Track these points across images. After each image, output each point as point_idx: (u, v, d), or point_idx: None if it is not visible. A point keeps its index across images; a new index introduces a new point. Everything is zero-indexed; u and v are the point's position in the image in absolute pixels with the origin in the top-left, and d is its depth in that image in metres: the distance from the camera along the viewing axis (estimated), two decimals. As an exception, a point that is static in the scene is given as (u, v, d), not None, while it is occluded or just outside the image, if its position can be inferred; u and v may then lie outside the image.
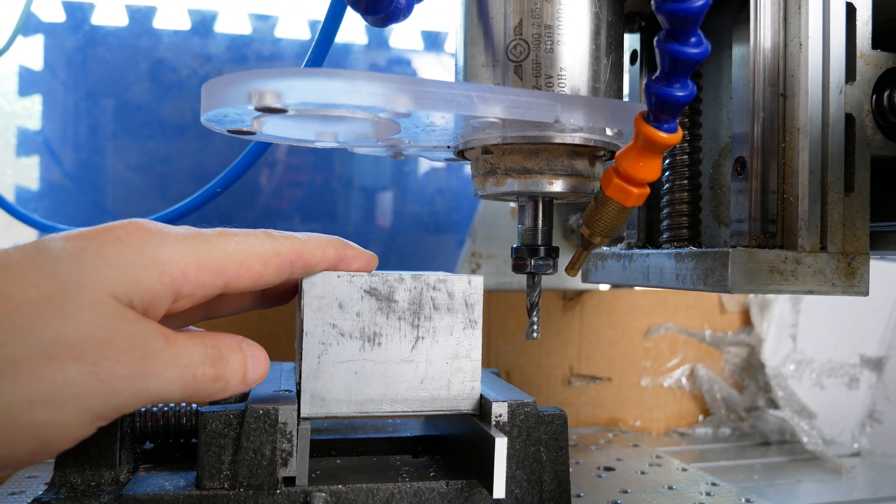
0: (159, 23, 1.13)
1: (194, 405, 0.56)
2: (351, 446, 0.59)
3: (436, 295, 0.52)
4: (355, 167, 1.20)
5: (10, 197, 1.04)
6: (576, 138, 0.51)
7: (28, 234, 1.00)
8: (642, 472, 0.74)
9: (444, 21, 1.21)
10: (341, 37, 1.24)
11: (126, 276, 0.39)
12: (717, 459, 0.93)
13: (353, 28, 1.23)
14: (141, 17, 1.13)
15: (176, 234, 0.42)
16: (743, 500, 0.66)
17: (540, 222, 0.54)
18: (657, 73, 0.43)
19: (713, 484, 0.70)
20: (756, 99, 0.52)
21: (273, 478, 0.48)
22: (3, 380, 0.36)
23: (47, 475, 0.64)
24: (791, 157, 0.51)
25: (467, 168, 0.53)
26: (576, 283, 1.02)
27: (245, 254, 0.44)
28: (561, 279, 1.02)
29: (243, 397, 0.53)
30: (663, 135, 0.44)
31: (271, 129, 0.51)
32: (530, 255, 0.54)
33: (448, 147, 0.56)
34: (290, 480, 0.49)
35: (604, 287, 1.05)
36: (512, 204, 1.04)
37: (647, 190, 0.47)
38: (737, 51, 0.54)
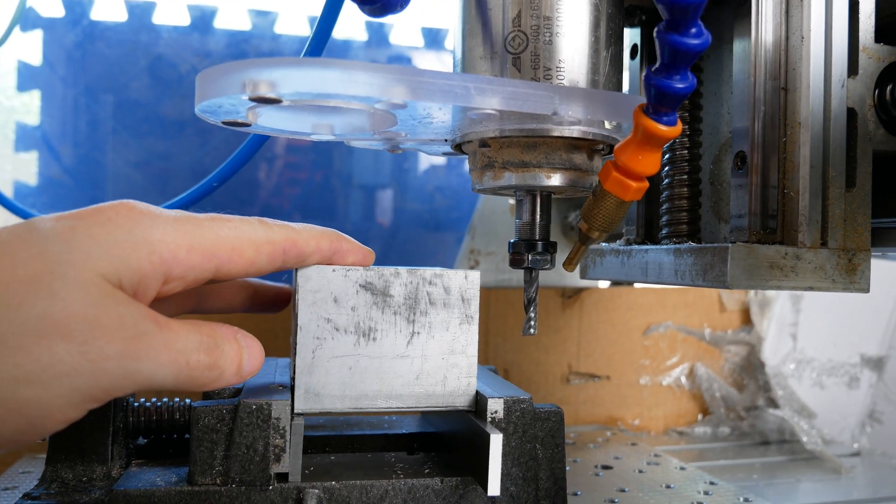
0: (159, 18, 1.13)
1: (188, 400, 0.55)
2: (346, 443, 0.59)
3: (432, 290, 0.52)
4: (355, 164, 1.20)
5: (8, 192, 1.04)
6: (574, 131, 0.50)
7: (25, 230, 0.99)
8: (640, 471, 0.73)
9: (444, 18, 1.21)
10: (341, 33, 1.24)
11: (115, 257, 0.39)
12: (716, 458, 0.92)
13: (353, 24, 1.22)
14: (140, 13, 1.13)
15: (167, 216, 0.42)
16: (741, 499, 0.65)
17: (538, 217, 0.54)
18: (657, 64, 0.42)
19: (711, 483, 0.69)
20: (757, 93, 0.51)
21: (266, 474, 0.47)
22: None
23: (41, 470, 0.64)
24: (792, 151, 0.50)
25: (467, 165, 0.52)
26: (575, 280, 1.01)
27: (238, 239, 0.44)
28: (560, 276, 1.01)
29: (237, 392, 0.53)
30: (663, 128, 0.44)
31: (266, 120, 0.51)
32: (528, 250, 0.54)
33: (445, 140, 0.56)
34: (283, 476, 0.48)
35: (603, 284, 1.04)
36: (511, 200, 1.04)
37: (646, 184, 0.47)
38: (738, 44, 0.53)
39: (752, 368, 1.07)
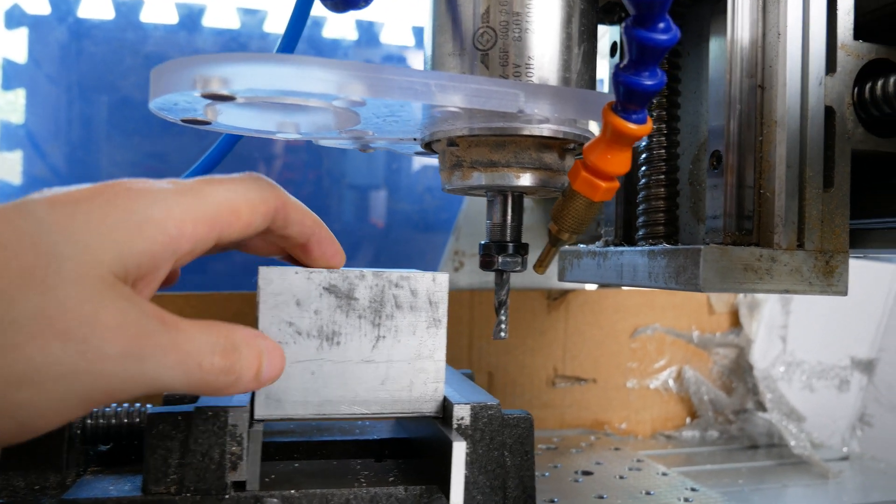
0: (146, 16, 1.12)
1: (149, 406, 0.54)
2: (314, 449, 0.57)
3: (398, 293, 0.50)
4: (347, 165, 1.19)
5: (-8, 192, 1.03)
6: (544, 130, 0.49)
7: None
8: (621, 477, 0.72)
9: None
10: (330, 33, 1.23)
11: (118, 243, 0.36)
12: (702, 463, 0.91)
13: (344, 24, 1.21)
14: (127, 11, 1.12)
15: (167, 189, 0.39)
16: (722, 506, 0.64)
17: (509, 218, 0.52)
18: (625, 61, 0.41)
19: (692, 489, 0.68)
20: (733, 91, 0.50)
21: (222, 482, 0.46)
22: None
23: None
24: (768, 150, 0.49)
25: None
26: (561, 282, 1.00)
27: (235, 201, 0.41)
28: (547, 278, 1.00)
29: (196, 398, 0.51)
30: (632, 126, 0.42)
31: (228, 118, 0.49)
32: (498, 252, 0.52)
33: (414, 139, 0.54)
34: (240, 485, 0.47)
35: (590, 286, 1.03)
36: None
37: (616, 184, 0.45)
38: (714, 42, 0.52)
39: (740, 371, 1.05)
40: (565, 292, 1.01)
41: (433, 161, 1.19)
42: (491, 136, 0.49)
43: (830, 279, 0.49)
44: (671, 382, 1.04)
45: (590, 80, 0.52)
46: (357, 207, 1.20)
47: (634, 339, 1.03)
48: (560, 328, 1.00)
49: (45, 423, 0.35)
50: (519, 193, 0.52)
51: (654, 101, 0.57)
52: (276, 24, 1.17)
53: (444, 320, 0.51)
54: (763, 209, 0.49)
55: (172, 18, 1.13)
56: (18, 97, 1.10)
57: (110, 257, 0.36)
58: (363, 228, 1.19)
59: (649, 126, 0.43)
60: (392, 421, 0.65)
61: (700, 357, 1.05)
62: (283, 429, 0.61)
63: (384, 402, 0.50)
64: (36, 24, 1.09)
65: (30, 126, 1.09)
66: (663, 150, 0.57)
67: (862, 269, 1.02)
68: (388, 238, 1.20)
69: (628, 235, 0.63)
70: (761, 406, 1.03)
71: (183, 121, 0.48)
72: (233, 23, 1.15)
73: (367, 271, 0.50)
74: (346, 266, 0.50)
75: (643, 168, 0.58)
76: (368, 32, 1.24)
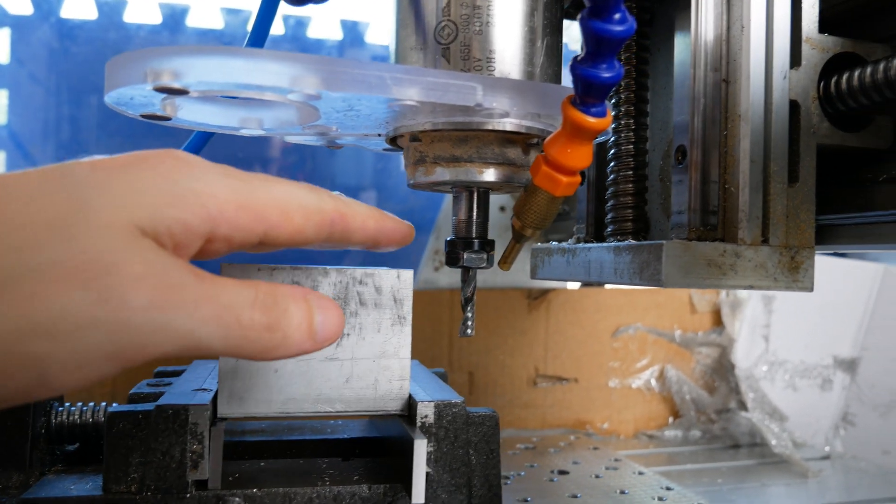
0: (130, 16, 1.12)
1: (115, 405, 0.53)
2: (283, 448, 0.57)
3: (362, 290, 0.50)
4: (336, 165, 1.19)
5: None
6: (506, 125, 0.48)
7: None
8: (597, 476, 0.72)
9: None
10: (315, 33, 1.23)
11: (153, 206, 0.34)
12: (683, 462, 0.91)
13: (328, 24, 1.21)
14: (110, 11, 1.11)
15: (217, 169, 0.37)
16: (695, 504, 0.63)
17: (474, 214, 0.52)
18: (582, 53, 0.41)
19: (668, 488, 0.67)
20: (697, 85, 0.49)
21: (182, 481, 0.45)
22: None
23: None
24: (732, 145, 0.48)
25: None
26: (542, 280, 1.00)
27: (289, 202, 0.39)
28: (527, 276, 0.99)
29: (158, 396, 0.51)
30: (591, 119, 0.42)
31: (188, 114, 0.49)
32: (464, 249, 0.52)
33: (379, 135, 0.54)
34: (202, 484, 0.46)
35: (571, 285, 1.02)
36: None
37: (578, 178, 0.45)
38: (679, 37, 0.52)
39: (723, 371, 1.05)
40: (546, 291, 1.00)
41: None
42: (453, 131, 0.49)
43: (796, 275, 0.48)
44: (653, 382, 1.04)
45: (554, 74, 0.51)
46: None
47: (616, 339, 1.02)
48: (541, 327, 1.00)
49: (69, 378, 0.33)
50: (484, 189, 0.52)
51: (623, 96, 0.57)
52: (261, 24, 1.16)
53: (409, 317, 0.51)
54: (728, 204, 0.48)
55: (156, 18, 1.13)
56: (1, 98, 1.09)
57: (141, 215, 0.34)
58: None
59: (609, 119, 0.43)
60: (364, 420, 0.65)
61: (682, 356, 1.05)
62: (254, 428, 0.61)
63: (349, 401, 0.50)
64: (18, 25, 1.09)
65: (13, 126, 1.09)
66: (631, 146, 0.57)
67: (844, 268, 1.02)
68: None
69: (599, 233, 0.63)
70: (744, 405, 1.02)
71: (142, 116, 0.48)
72: (217, 23, 1.15)
73: (331, 268, 0.49)
74: (322, 265, 0.49)
75: (612, 164, 0.58)
76: (353, 32, 1.24)
